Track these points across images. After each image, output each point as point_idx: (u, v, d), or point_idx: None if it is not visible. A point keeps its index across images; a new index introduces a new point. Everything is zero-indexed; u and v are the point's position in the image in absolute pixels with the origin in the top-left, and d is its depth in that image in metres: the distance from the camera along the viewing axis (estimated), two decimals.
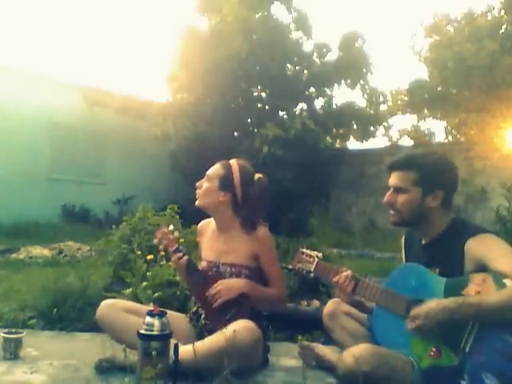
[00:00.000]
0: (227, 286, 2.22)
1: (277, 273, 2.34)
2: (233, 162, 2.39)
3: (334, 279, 2.10)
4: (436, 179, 2.00)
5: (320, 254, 2.22)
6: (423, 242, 2.10)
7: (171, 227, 2.37)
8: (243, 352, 1.95)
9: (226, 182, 2.32)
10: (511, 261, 1.79)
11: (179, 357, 1.93)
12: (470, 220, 2.20)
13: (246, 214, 2.32)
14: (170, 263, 3.03)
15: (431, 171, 1.99)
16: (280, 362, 2.40)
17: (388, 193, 2.07)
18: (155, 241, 2.37)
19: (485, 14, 12.63)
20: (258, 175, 2.38)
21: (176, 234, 2.36)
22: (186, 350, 1.96)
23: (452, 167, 2.07)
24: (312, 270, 2.17)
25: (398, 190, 2.03)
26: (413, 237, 2.18)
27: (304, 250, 2.25)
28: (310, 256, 2.21)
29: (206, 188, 2.35)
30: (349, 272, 2.09)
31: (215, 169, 2.38)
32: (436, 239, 2.03)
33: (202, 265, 2.38)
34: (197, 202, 2.38)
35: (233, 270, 2.29)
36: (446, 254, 1.95)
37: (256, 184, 2.35)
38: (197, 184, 2.39)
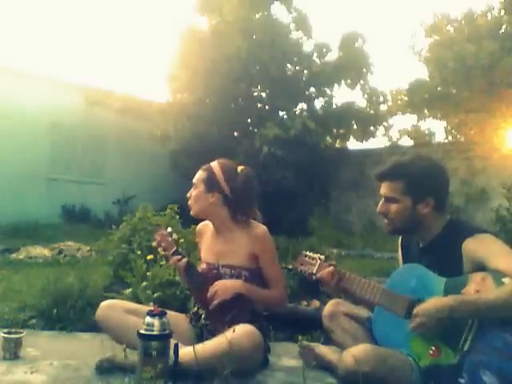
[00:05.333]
0: (223, 287, 2.22)
1: (277, 273, 2.34)
2: (213, 163, 2.41)
3: (318, 275, 2.14)
4: (425, 187, 2.00)
5: (322, 257, 2.23)
6: (420, 245, 2.10)
7: (169, 229, 2.37)
8: (244, 356, 1.97)
9: (210, 183, 2.34)
10: (509, 259, 1.79)
11: (180, 359, 1.93)
12: (469, 220, 2.22)
13: (235, 204, 2.33)
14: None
15: (419, 179, 1.99)
16: (280, 362, 2.40)
17: (380, 202, 2.08)
18: (154, 243, 2.38)
19: (485, 14, 12.62)
20: (240, 167, 2.40)
21: (174, 236, 2.36)
22: (186, 352, 1.96)
23: (441, 172, 2.07)
24: (314, 271, 2.18)
25: (389, 199, 2.04)
26: (410, 239, 2.19)
27: (307, 253, 2.26)
28: (313, 258, 2.22)
29: (194, 195, 2.37)
30: (331, 268, 2.12)
31: (198, 175, 2.41)
32: (433, 242, 2.04)
33: (202, 266, 2.38)
34: (191, 212, 2.40)
35: (232, 271, 2.29)
36: (444, 256, 1.95)
37: (240, 176, 2.36)
38: (187, 195, 2.42)
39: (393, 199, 2.03)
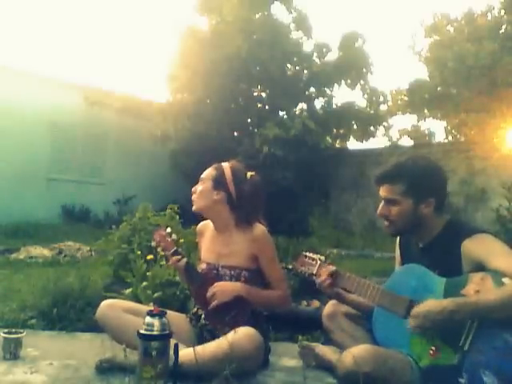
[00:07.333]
0: (222, 289, 2.22)
1: (278, 273, 2.34)
2: (224, 163, 2.43)
3: (317, 275, 2.15)
4: (425, 188, 1.99)
5: (323, 257, 2.23)
6: (420, 245, 2.10)
7: (168, 229, 2.37)
8: (245, 359, 1.96)
9: (218, 182, 2.35)
10: (509, 259, 1.80)
11: (180, 360, 1.93)
12: (469, 220, 2.22)
13: (240, 211, 2.33)
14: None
15: (420, 180, 1.99)
16: (280, 362, 2.40)
17: (381, 205, 2.07)
18: (153, 243, 2.38)
19: (485, 14, 12.63)
20: (250, 173, 2.41)
21: (174, 236, 2.35)
22: (186, 354, 1.96)
23: (440, 172, 2.06)
24: (314, 272, 2.18)
25: (390, 201, 2.03)
26: (408, 239, 2.18)
27: (306, 253, 2.26)
28: (313, 259, 2.22)
29: (200, 190, 2.38)
30: (329, 267, 2.14)
31: (208, 171, 2.42)
32: (432, 242, 2.04)
33: (202, 267, 2.38)
34: (193, 207, 2.40)
35: (232, 272, 2.28)
36: (443, 256, 1.95)
37: (248, 182, 2.37)
38: (192, 189, 2.42)
39: (393, 201, 2.02)
